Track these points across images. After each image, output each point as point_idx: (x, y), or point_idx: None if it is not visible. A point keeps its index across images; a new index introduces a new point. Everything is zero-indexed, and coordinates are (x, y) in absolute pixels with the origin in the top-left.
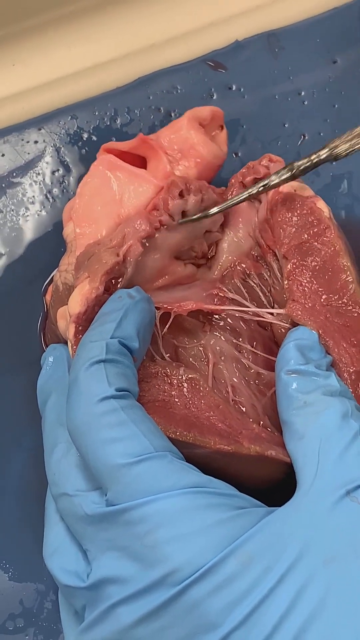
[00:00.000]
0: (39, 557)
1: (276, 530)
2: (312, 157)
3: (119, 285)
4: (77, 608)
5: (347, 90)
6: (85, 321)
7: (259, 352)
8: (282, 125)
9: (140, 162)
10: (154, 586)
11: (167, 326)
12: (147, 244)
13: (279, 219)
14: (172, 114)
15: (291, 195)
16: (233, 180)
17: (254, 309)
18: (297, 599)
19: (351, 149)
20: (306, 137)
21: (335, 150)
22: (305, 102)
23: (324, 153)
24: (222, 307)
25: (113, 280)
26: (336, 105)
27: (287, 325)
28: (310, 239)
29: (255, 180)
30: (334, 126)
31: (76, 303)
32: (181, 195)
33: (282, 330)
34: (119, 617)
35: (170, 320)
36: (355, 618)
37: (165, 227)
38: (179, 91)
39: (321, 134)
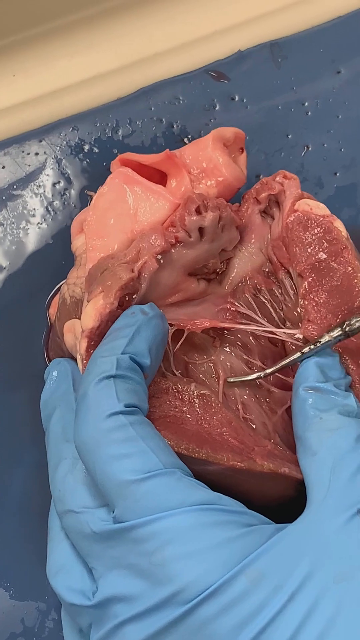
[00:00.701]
0: (40, 575)
1: (286, 548)
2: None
3: (133, 301)
4: (83, 627)
5: (351, 101)
6: (97, 336)
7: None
8: (285, 136)
9: (159, 176)
10: (162, 605)
11: (179, 343)
12: (162, 261)
13: (295, 238)
14: (174, 125)
15: (307, 213)
16: (247, 196)
17: (269, 327)
18: (307, 617)
19: None
20: (309, 148)
21: None
22: (309, 113)
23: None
24: (237, 326)
25: (127, 296)
26: (340, 116)
27: (299, 344)
28: (327, 259)
29: (270, 197)
30: (337, 137)
31: (90, 318)
32: (198, 211)
33: (294, 347)
34: (126, 636)
35: (183, 337)
36: None
37: (181, 243)
38: (181, 102)
39: (325, 145)
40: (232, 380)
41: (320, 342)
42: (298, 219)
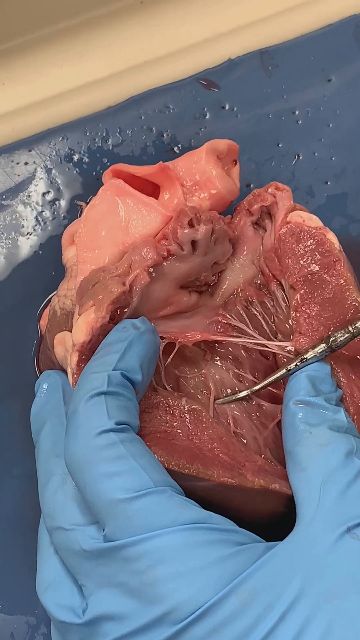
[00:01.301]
0: (31, 589)
1: (277, 567)
2: (351, 329)
3: (124, 315)
4: None
5: (342, 109)
6: (89, 350)
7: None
8: (276, 144)
9: (151, 188)
10: (153, 624)
11: (170, 357)
12: (154, 274)
13: (287, 249)
14: (164, 134)
15: (300, 225)
16: (239, 208)
17: (260, 340)
18: (298, 637)
19: None
20: (300, 157)
21: None
22: (300, 122)
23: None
24: (229, 339)
25: (118, 310)
26: (331, 125)
27: (291, 356)
28: (319, 271)
29: (262, 209)
30: (328, 146)
31: (81, 332)
32: (191, 224)
33: (285, 360)
34: None
35: (174, 351)
36: None
37: (173, 256)
38: (171, 111)
39: (316, 154)
40: (220, 401)
41: (305, 358)
42: (291, 230)
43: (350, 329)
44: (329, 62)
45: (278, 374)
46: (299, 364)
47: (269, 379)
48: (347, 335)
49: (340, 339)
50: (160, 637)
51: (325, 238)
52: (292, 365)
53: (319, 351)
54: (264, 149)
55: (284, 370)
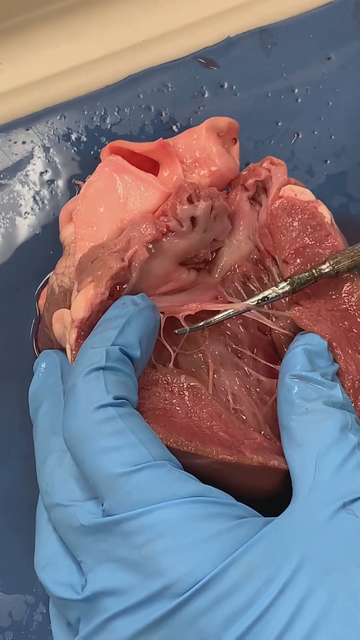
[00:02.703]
0: (28, 568)
1: (276, 541)
2: (314, 272)
3: (123, 291)
4: (71, 621)
5: (341, 88)
6: (88, 327)
7: (259, 359)
8: (275, 123)
9: (150, 165)
10: (153, 598)
11: (182, 341)
12: (154, 250)
13: (279, 224)
14: (163, 113)
15: (292, 199)
16: (234, 183)
17: (258, 309)
18: (299, 609)
19: (354, 265)
20: (300, 136)
21: (337, 266)
22: (299, 100)
23: (325, 267)
24: (227, 306)
25: (118, 286)
26: (330, 103)
27: (287, 332)
28: (311, 244)
29: (257, 183)
30: (328, 124)
31: (80, 308)
32: (190, 200)
33: (282, 337)
34: (116, 630)
35: (184, 336)
36: (358, 627)
37: (173, 233)
38: (169, 89)
39: (315, 132)
40: (178, 331)
41: (267, 296)
42: (282, 205)
43: (313, 272)
44: (329, 41)
45: (236, 310)
46: (260, 301)
47: (225, 313)
48: (309, 277)
49: (302, 280)
50: (160, 611)
51: (317, 212)
52: (254, 301)
53: (281, 290)
54: (263, 128)
55: (245, 307)
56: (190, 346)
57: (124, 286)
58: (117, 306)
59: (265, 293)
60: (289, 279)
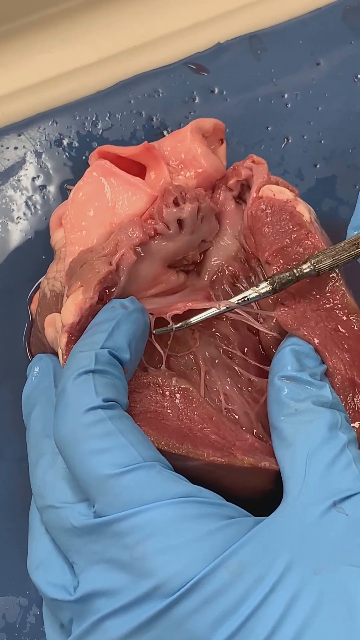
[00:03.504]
0: (22, 570)
1: (266, 540)
2: (295, 272)
3: (112, 295)
4: (64, 622)
5: (330, 92)
6: (78, 331)
7: (249, 359)
8: (265, 128)
9: (138, 168)
10: (144, 599)
11: (170, 341)
12: (142, 253)
13: (259, 225)
14: (154, 118)
15: (270, 200)
16: (219, 183)
17: (245, 310)
18: (289, 608)
19: (335, 264)
20: (289, 140)
21: (319, 265)
22: (289, 105)
23: (306, 267)
24: (215, 304)
25: (107, 290)
26: (320, 108)
27: (273, 334)
28: (292, 244)
29: (240, 182)
30: (317, 129)
31: (70, 313)
32: (176, 203)
33: (269, 337)
34: (108, 631)
35: (172, 336)
36: (348, 626)
37: (160, 236)
38: (160, 95)
39: (305, 137)
40: (156, 332)
41: (246, 297)
42: (261, 205)
43: (294, 271)
44: (318, 46)
45: (217, 311)
46: (241, 301)
47: (205, 313)
48: (290, 277)
49: (284, 280)
50: (151, 611)
51: (295, 210)
52: (235, 301)
53: (262, 290)
54: (253, 133)
55: (224, 307)
56: (181, 348)
57: (112, 290)
58: (106, 310)
59: (246, 293)
60: (269, 279)
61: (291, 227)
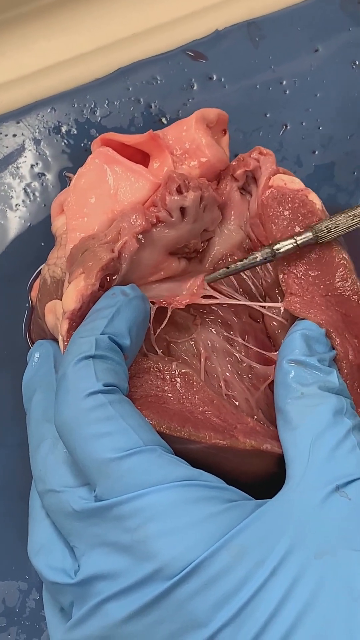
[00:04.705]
0: (22, 555)
1: (267, 524)
2: (297, 239)
3: (114, 282)
4: (65, 605)
5: (329, 79)
6: (79, 318)
7: (251, 346)
8: (263, 115)
9: (141, 156)
10: (145, 581)
11: (164, 323)
12: (143, 241)
13: (270, 213)
14: (152, 106)
15: (281, 188)
16: (224, 174)
17: (249, 302)
18: (290, 592)
19: (336, 234)
20: (288, 127)
21: (317, 232)
22: (287, 92)
23: (308, 236)
24: (215, 302)
25: (108, 277)
26: (318, 95)
27: (279, 318)
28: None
29: (246, 173)
30: (316, 116)
31: (71, 299)
32: (179, 191)
33: (275, 323)
34: (109, 613)
35: (167, 317)
36: (348, 611)
37: (162, 223)
38: (158, 82)
39: (303, 124)
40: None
41: (255, 256)
42: (272, 194)
43: (296, 238)
44: (316, 33)
45: (228, 270)
46: (245, 266)
47: (218, 273)
48: (292, 245)
49: (285, 247)
50: (153, 593)
51: (307, 199)
52: (239, 265)
53: (264, 255)
54: (251, 120)
55: (232, 266)
56: (181, 334)
57: (114, 277)
58: (107, 296)
59: (250, 257)
60: (269, 246)
61: (302, 215)
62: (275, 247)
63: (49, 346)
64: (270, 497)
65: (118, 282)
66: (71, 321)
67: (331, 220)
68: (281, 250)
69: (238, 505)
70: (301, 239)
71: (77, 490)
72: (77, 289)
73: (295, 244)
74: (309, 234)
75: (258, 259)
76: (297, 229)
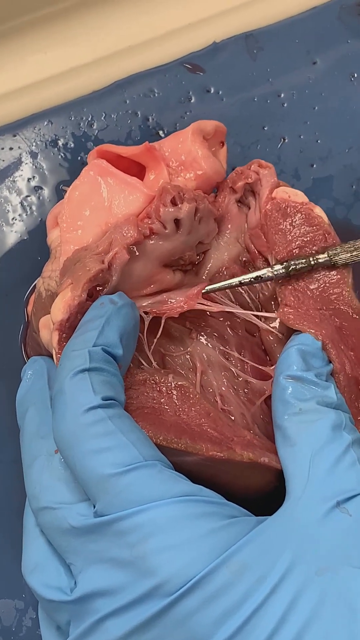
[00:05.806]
0: (17, 573)
1: (268, 540)
2: (311, 260)
3: (103, 293)
4: (61, 624)
5: (327, 92)
6: (68, 329)
7: (247, 360)
8: (261, 128)
9: (138, 169)
10: (144, 598)
11: (159, 333)
12: (137, 252)
13: (274, 225)
14: (150, 119)
15: (286, 201)
16: (222, 186)
17: (243, 311)
18: (290, 609)
19: (352, 260)
20: (286, 140)
21: (335, 258)
22: (285, 104)
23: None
24: (214, 308)
25: (98, 288)
26: (316, 107)
27: (276, 332)
28: (307, 244)
29: (245, 186)
30: (314, 128)
31: (58, 310)
32: (174, 203)
33: (271, 337)
34: (108, 631)
35: (162, 326)
36: (349, 628)
37: (156, 235)
38: (156, 95)
39: (301, 137)
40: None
41: (260, 276)
42: (277, 206)
43: (310, 259)
44: (314, 45)
45: (232, 281)
46: (253, 279)
47: (226, 282)
48: (306, 264)
49: (299, 266)
50: (152, 610)
51: (314, 213)
52: (247, 279)
53: (275, 272)
54: (249, 132)
55: (238, 280)
56: (177, 348)
57: (104, 288)
58: (96, 307)
59: (261, 272)
60: (284, 263)
61: (307, 228)
62: (291, 267)
63: (43, 362)
64: (269, 513)
65: (108, 293)
66: (61, 332)
67: (355, 247)
68: (297, 268)
69: (239, 522)
70: (316, 261)
71: (75, 507)
72: (64, 299)
73: (309, 265)
74: (325, 256)
75: (268, 275)
76: (304, 241)
